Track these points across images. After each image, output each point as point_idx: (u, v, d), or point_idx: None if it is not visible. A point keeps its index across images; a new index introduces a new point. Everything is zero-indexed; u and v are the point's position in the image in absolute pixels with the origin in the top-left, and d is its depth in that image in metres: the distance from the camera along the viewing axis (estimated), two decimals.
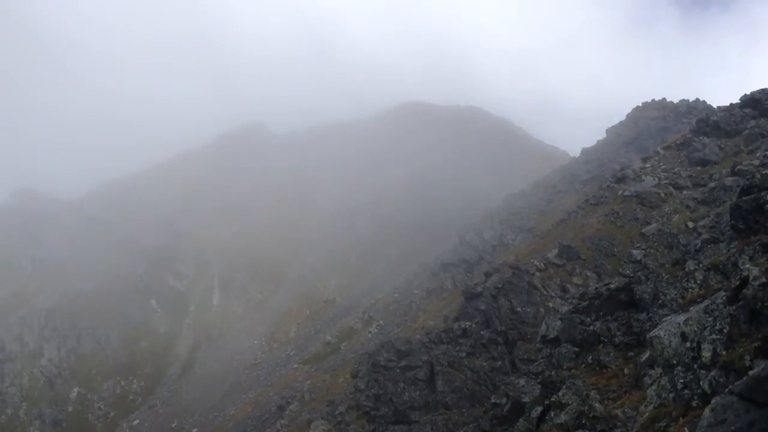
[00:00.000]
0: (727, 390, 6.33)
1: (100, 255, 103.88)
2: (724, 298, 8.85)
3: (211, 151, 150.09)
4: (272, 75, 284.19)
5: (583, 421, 11.28)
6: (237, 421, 56.67)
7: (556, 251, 33.39)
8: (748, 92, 39.48)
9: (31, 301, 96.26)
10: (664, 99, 75.69)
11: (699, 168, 35.81)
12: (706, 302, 9.34)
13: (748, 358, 7.11)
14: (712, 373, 7.92)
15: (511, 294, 29.82)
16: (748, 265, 9.48)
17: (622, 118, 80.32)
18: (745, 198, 11.87)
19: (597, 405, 11.48)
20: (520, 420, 14.02)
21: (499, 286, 30.26)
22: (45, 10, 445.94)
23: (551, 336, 18.80)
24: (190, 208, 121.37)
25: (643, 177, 37.64)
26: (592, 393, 12.04)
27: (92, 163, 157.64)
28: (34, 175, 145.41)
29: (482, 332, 28.97)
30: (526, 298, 29.62)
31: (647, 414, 9.90)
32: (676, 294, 13.54)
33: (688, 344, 9.07)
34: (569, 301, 22.51)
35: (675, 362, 9.31)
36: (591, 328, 16.04)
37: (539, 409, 13.18)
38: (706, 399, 7.80)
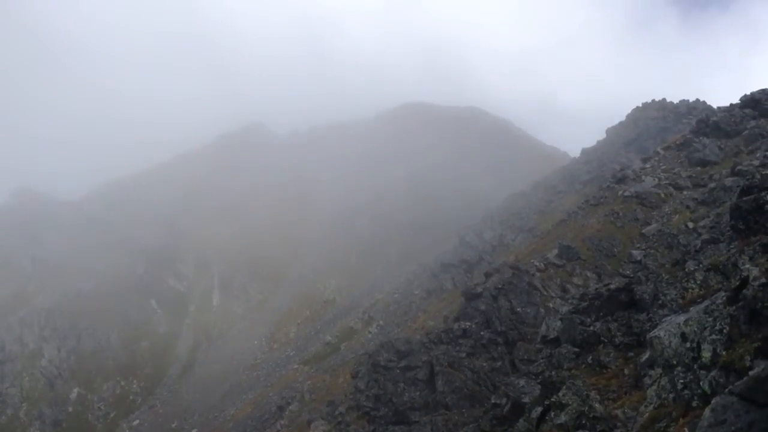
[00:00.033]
0: (727, 390, 6.33)
1: (100, 255, 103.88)
2: (724, 298, 8.85)
3: (211, 151, 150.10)
4: (272, 75, 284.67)
5: (583, 422, 11.28)
6: (237, 422, 56.66)
7: (556, 252, 33.38)
8: (748, 92, 39.50)
9: (31, 301, 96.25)
10: (664, 99, 75.68)
11: (699, 168, 35.81)
12: (706, 302, 9.34)
13: (748, 359, 7.12)
14: (712, 373, 7.92)
15: (511, 294, 29.82)
16: (748, 266, 9.49)
17: (622, 118, 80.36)
18: (745, 198, 11.87)
19: (597, 405, 11.48)
20: (520, 420, 14.02)
21: (499, 286, 30.26)
22: (45, 10, 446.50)
23: (551, 336, 18.80)
24: (190, 208, 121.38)
25: (643, 177, 37.64)
26: (592, 393, 12.04)
27: (92, 163, 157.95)
28: (34, 175, 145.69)
29: (482, 333, 28.97)
30: (526, 299, 29.62)
31: (647, 414, 9.90)
32: (676, 294, 13.55)
33: (688, 344, 9.07)
34: (569, 301, 22.51)
35: (675, 362, 9.31)
36: (591, 328, 16.04)
37: (539, 409, 13.18)
38: (706, 399, 7.80)
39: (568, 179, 71.71)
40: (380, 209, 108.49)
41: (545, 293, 30.24)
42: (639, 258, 27.71)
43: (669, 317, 10.76)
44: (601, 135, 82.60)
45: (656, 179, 36.48)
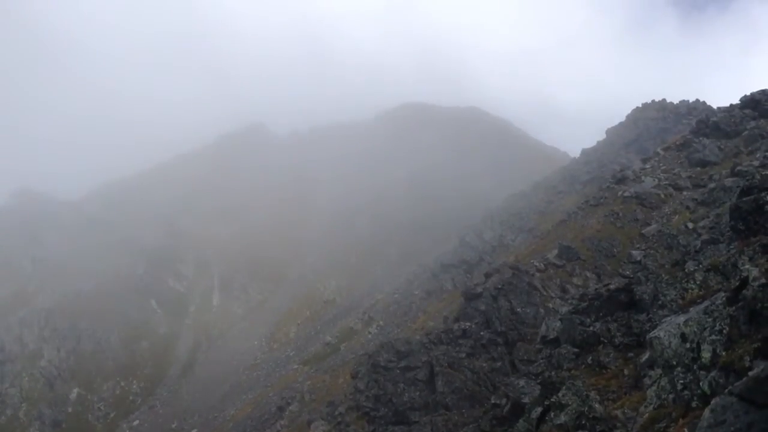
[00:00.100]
0: (726, 391, 6.33)
1: (100, 255, 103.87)
2: (724, 298, 8.85)
3: (211, 151, 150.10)
4: (272, 75, 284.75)
5: (583, 422, 11.29)
6: (237, 422, 56.66)
7: (556, 252, 33.39)
8: (748, 93, 39.53)
9: (31, 302, 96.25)
10: (663, 100, 75.71)
11: (699, 169, 35.82)
12: (706, 303, 9.35)
13: (748, 359, 7.12)
14: (712, 373, 7.92)
15: (511, 295, 29.82)
16: (747, 266, 9.50)
17: (622, 119, 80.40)
18: (744, 199, 11.88)
19: (597, 406, 11.49)
20: (520, 421, 14.02)
21: (499, 286, 30.27)
22: (45, 10, 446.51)
23: (551, 337, 18.80)
24: (190, 208, 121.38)
25: (643, 178, 37.65)
26: (592, 394, 12.05)
27: (92, 163, 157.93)
28: (34, 176, 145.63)
29: (482, 333, 28.97)
30: (526, 299, 29.62)
31: (647, 415, 9.91)
32: (675, 295, 13.55)
33: (687, 345, 9.08)
34: (569, 301, 22.51)
35: (675, 363, 9.32)
36: (591, 328, 16.04)
37: (539, 409, 13.19)
38: (705, 400, 7.80)
39: (568, 180, 71.74)
40: (380, 209, 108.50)
41: (545, 293, 30.24)
42: (639, 258, 27.72)
43: (669, 318, 10.76)
44: (601, 135, 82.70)
45: (656, 180, 36.50)
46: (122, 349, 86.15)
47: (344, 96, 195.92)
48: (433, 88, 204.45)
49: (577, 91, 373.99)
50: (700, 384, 8.34)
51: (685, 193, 33.72)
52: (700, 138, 38.30)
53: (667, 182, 35.64)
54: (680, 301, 12.50)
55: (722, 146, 36.23)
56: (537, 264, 32.51)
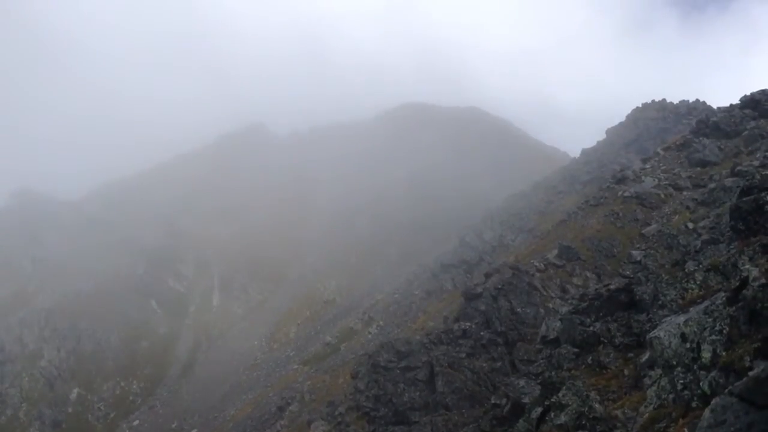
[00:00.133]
0: (726, 391, 6.33)
1: (100, 255, 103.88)
2: (724, 298, 8.86)
3: (211, 151, 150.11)
4: (272, 75, 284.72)
5: (583, 422, 11.28)
6: (237, 422, 56.66)
7: (556, 252, 33.39)
8: (748, 93, 39.53)
9: (31, 302, 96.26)
10: (664, 100, 75.71)
11: (699, 169, 35.82)
12: (706, 303, 9.35)
13: (748, 359, 7.12)
14: (712, 374, 7.92)
15: (511, 295, 29.82)
16: (747, 266, 9.50)
17: (622, 119, 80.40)
18: (744, 199, 11.89)
19: (597, 406, 11.49)
20: (520, 421, 14.02)
21: (499, 286, 30.26)
22: (45, 10, 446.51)
23: (551, 337, 18.80)
24: (190, 208, 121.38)
25: (643, 178, 37.65)
26: (592, 394, 12.04)
27: (92, 163, 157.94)
28: (34, 176, 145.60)
29: (482, 333, 28.97)
30: (526, 299, 29.62)
31: (647, 415, 9.91)
32: (675, 295, 13.55)
33: (687, 345, 9.08)
34: (569, 301, 22.51)
35: (675, 363, 9.32)
36: (591, 328, 16.05)
37: (539, 409, 13.18)
38: (705, 400, 7.80)
39: (568, 180, 71.75)
40: (380, 209, 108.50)
41: (545, 293, 30.24)
42: (639, 258, 27.70)
43: (669, 318, 10.76)
44: (601, 135, 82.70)
45: (656, 180, 36.50)
46: (122, 349, 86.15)
47: (344, 96, 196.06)
48: (433, 88, 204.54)
49: (577, 91, 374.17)
50: (700, 384, 8.34)
51: (685, 193, 33.72)
52: (700, 138, 38.31)
53: (667, 182, 35.65)
54: (680, 301, 12.50)
55: (722, 146, 36.23)
56: (537, 264, 32.51)
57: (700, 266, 13.68)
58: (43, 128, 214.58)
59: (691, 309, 9.94)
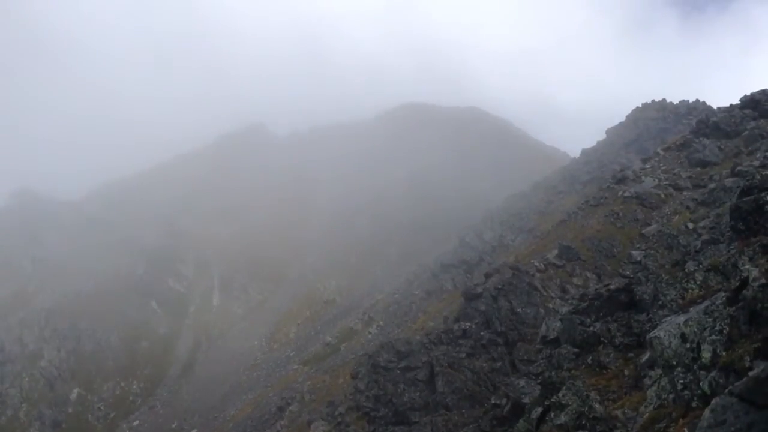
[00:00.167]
0: (726, 391, 6.33)
1: (100, 255, 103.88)
2: (724, 299, 8.86)
3: (211, 151, 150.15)
4: (272, 75, 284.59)
5: (583, 422, 11.29)
6: (237, 422, 56.66)
7: (556, 252, 33.39)
8: (748, 93, 39.54)
9: (31, 302, 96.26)
10: (664, 100, 75.73)
11: (699, 169, 35.82)
12: (706, 303, 9.35)
13: (748, 359, 7.12)
14: (712, 374, 7.92)
15: (511, 295, 29.81)
16: (747, 266, 9.50)
17: (622, 119, 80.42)
18: (744, 199, 11.89)
19: (597, 406, 11.49)
20: (520, 421, 14.02)
21: (499, 287, 30.26)
22: (45, 10, 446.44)
23: (551, 337, 18.80)
24: (190, 208, 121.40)
25: (643, 178, 37.66)
26: (592, 394, 12.05)
27: (92, 163, 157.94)
28: (34, 176, 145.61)
29: (482, 333, 28.97)
30: (526, 299, 29.62)
31: (647, 415, 9.91)
32: (676, 295, 13.55)
33: (687, 345, 9.08)
34: (569, 302, 22.51)
35: (675, 363, 9.32)
36: (591, 329, 16.05)
37: (539, 409, 13.18)
38: (705, 400, 7.80)
39: (568, 180, 71.75)
40: (380, 209, 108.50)
41: (545, 294, 30.24)
42: (639, 258, 27.70)
43: (669, 318, 10.76)
44: (601, 135, 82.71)
45: (656, 180, 36.50)
46: (122, 350, 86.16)
47: (344, 96, 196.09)
48: (433, 88, 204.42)
49: (577, 91, 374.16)
50: (701, 384, 8.34)
51: (685, 193, 33.72)
52: (700, 138, 38.31)
53: (667, 182, 35.65)
54: (680, 301, 12.51)
55: (722, 146, 36.23)
56: (537, 264, 32.51)
57: (700, 266, 13.68)
58: (43, 128, 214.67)
59: (691, 309, 9.94)
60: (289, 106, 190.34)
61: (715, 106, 56.95)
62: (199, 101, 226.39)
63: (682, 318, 9.68)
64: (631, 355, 14.10)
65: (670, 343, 9.46)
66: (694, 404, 8.53)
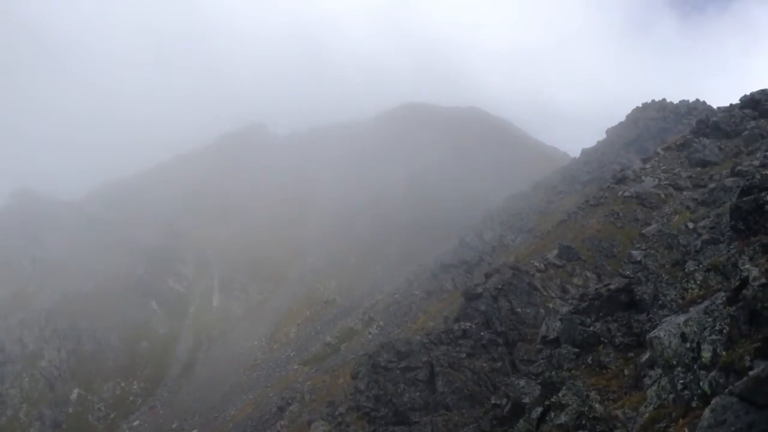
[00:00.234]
0: (727, 391, 6.33)
1: (100, 255, 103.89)
2: (724, 298, 8.86)
3: (211, 151, 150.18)
4: (272, 75, 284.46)
5: (583, 422, 11.29)
6: (237, 422, 56.66)
7: (556, 252, 33.39)
8: (748, 93, 39.54)
9: (31, 302, 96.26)
10: (664, 100, 75.73)
11: (699, 169, 35.83)
12: (706, 303, 9.36)
13: (748, 359, 7.12)
14: (712, 373, 7.92)
15: (511, 295, 29.82)
16: (747, 266, 9.50)
17: (622, 118, 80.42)
18: (745, 199, 11.89)
19: (597, 406, 11.49)
20: (521, 421, 14.02)
21: (499, 287, 30.26)
22: (45, 10, 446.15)
23: (551, 337, 18.81)
24: (190, 208, 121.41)
25: (643, 178, 37.66)
26: (592, 394, 12.05)
27: (92, 163, 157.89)
28: (34, 176, 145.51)
29: (482, 333, 28.97)
30: (526, 299, 29.62)
31: (647, 415, 9.91)
32: (676, 295, 13.55)
33: (688, 345, 9.08)
34: (569, 301, 22.51)
35: (675, 363, 9.32)
36: (591, 328, 16.05)
37: (539, 409, 13.18)
38: (706, 400, 7.80)
39: (568, 180, 71.76)
40: (380, 209, 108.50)
41: (545, 294, 30.25)
42: (639, 258, 27.71)
43: (669, 317, 10.77)
44: (601, 135, 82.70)
45: (656, 180, 36.51)
46: (122, 350, 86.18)
47: (344, 96, 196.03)
48: (432, 88, 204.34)
49: (577, 91, 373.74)
50: (701, 384, 8.34)
51: (685, 193, 33.72)
52: (700, 138, 38.32)
53: (667, 182, 35.66)
54: (680, 301, 12.51)
55: (722, 146, 36.24)
56: (537, 264, 32.51)
57: (701, 266, 13.69)
58: (43, 128, 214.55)
59: (691, 309, 9.95)
60: (289, 106, 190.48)
61: (715, 106, 56.97)
62: (199, 101, 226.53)
63: (682, 318, 9.68)
64: (631, 354, 14.11)
65: (670, 342, 9.46)
66: (694, 404, 8.53)
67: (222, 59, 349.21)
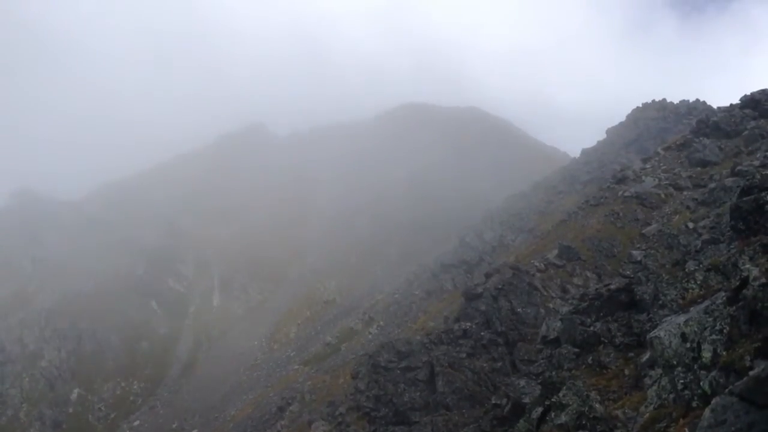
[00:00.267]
0: (727, 391, 6.34)
1: (100, 255, 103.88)
2: (724, 298, 8.86)
3: (211, 151, 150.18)
4: (272, 75, 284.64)
5: (584, 422, 11.29)
6: (237, 422, 56.67)
7: (556, 252, 33.38)
8: (748, 93, 39.54)
9: (31, 302, 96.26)
10: (664, 100, 75.73)
11: (699, 169, 35.83)
12: (707, 303, 9.36)
13: (749, 359, 7.12)
14: (713, 373, 7.93)
15: (512, 295, 29.81)
16: (748, 266, 9.50)
17: (622, 118, 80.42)
18: (745, 199, 11.89)
19: (597, 406, 11.49)
20: (521, 421, 14.02)
21: (500, 286, 30.26)
22: (45, 10, 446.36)
23: (552, 337, 18.82)
24: (190, 208, 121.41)
25: (643, 178, 37.66)
26: (593, 394, 12.05)
27: (92, 163, 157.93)
28: (34, 176, 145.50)
29: (482, 333, 28.97)
30: (527, 299, 29.61)
31: (647, 415, 9.91)
32: (676, 294, 13.56)
33: (688, 345, 9.08)
34: (569, 301, 22.52)
35: (675, 363, 9.32)
36: (591, 328, 16.06)
37: (540, 409, 13.19)
38: (706, 399, 7.81)
39: (568, 180, 71.76)
40: (380, 209, 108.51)
41: (545, 294, 30.24)
42: (639, 258, 27.71)
43: (669, 317, 10.77)
44: (601, 135, 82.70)
45: (656, 179, 36.51)
46: (122, 350, 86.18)
47: (344, 96, 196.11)
48: (432, 88, 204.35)
49: (577, 91, 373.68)
50: (701, 384, 8.34)
51: (685, 192, 33.72)
52: (701, 138, 38.32)
53: (667, 182, 35.66)
54: (681, 301, 12.51)
55: (722, 146, 36.24)
56: (537, 264, 32.51)
57: (701, 266, 13.69)
58: (43, 128, 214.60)
59: (691, 309, 9.95)
60: (289, 106, 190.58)
61: (715, 106, 56.98)
62: (199, 101, 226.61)
63: (682, 318, 9.68)
64: (631, 354, 14.11)
65: (670, 342, 9.47)
66: (694, 404, 8.54)
67: (222, 59, 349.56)
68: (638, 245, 30.33)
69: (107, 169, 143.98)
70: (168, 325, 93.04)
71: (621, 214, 34.21)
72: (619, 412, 11.15)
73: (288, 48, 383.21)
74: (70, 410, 76.18)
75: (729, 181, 28.34)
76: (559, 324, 18.18)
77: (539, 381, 15.98)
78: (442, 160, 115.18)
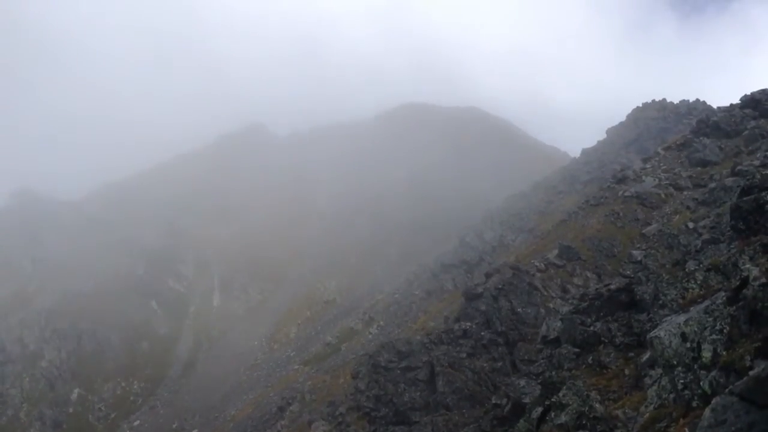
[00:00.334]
0: (727, 390, 6.34)
1: (100, 255, 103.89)
2: (725, 298, 8.86)
3: (211, 151, 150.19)
4: (272, 75, 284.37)
5: (584, 422, 11.29)
6: (237, 422, 56.68)
7: (556, 252, 33.39)
8: (748, 93, 39.54)
9: (31, 302, 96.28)
10: (664, 100, 75.76)
11: (699, 168, 35.83)
12: (707, 303, 9.36)
13: (749, 359, 7.12)
14: (713, 373, 7.93)
15: (512, 295, 29.81)
16: (748, 266, 9.50)
17: (622, 118, 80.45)
18: (745, 198, 11.89)
19: (597, 405, 11.49)
20: (521, 421, 14.03)
21: (500, 286, 30.26)
22: (45, 10, 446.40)
23: (552, 337, 18.82)
24: (190, 208, 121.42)
25: (643, 177, 37.67)
26: (593, 393, 12.05)
27: (92, 163, 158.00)
28: (34, 176, 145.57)
29: (483, 333, 28.97)
30: (527, 299, 29.62)
31: (648, 414, 9.91)
32: (676, 294, 13.55)
33: (688, 345, 9.08)
34: (570, 301, 22.52)
35: (675, 363, 9.32)
36: (591, 328, 16.06)
37: (540, 409, 13.19)
38: (706, 399, 7.81)
39: (568, 179, 71.77)
40: (380, 209, 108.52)
41: (545, 293, 30.24)
42: (639, 258, 27.71)
43: (669, 317, 10.77)
44: (602, 135, 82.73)
45: (656, 179, 36.51)
46: (123, 350, 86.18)
47: (344, 96, 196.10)
48: (432, 88, 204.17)
49: (577, 91, 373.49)
50: (701, 384, 8.34)
51: (685, 192, 33.73)
52: (701, 138, 38.32)
53: (667, 182, 35.66)
54: (681, 301, 12.51)
55: (722, 146, 36.24)
56: (537, 264, 32.51)
57: (701, 266, 13.68)
58: (43, 128, 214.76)
59: (691, 309, 9.95)
60: (289, 106, 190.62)
61: (715, 106, 56.98)
62: (199, 101, 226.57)
63: (682, 317, 9.68)
64: (631, 354, 14.12)
65: (670, 342, 9.47)
66: (694, 404, 8.54)
67: (222, 59, 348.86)
68: (638, 245, 30.33)
69: (107, 169, 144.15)
70: (168, 325, 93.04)
71: (621, 214, 34.21)
72: (619, 412, 11.15)
73: (288, 48, 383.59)
74: (71, 410, 76.18)
75: (729, 181, 28.34)
76: (559, 324, 18.18)
77: (539, 381, 15.98)
78: (442, 160, 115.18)
